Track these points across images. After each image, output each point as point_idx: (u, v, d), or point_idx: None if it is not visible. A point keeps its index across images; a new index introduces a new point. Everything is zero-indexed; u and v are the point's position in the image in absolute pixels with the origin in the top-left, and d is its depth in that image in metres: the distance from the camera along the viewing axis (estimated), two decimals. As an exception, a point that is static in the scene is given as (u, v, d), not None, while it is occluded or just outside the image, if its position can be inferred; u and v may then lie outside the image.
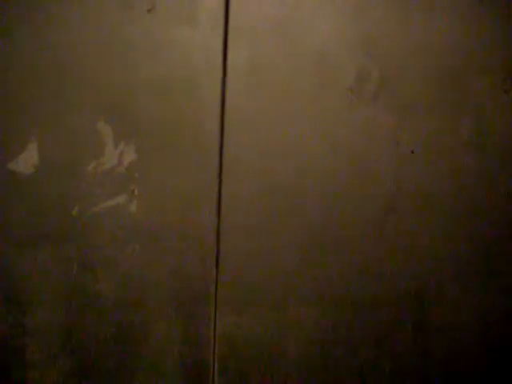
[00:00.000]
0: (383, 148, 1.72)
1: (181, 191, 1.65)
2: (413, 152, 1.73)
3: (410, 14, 1.70)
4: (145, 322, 1.66)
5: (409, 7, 1.70)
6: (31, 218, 1.61)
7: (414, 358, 1.75)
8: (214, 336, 1.68)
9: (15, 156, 1.59)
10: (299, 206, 1.70)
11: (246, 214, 1.68)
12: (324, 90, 1.69)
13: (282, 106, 1.68)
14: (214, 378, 1.69)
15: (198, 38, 1.63)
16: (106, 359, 1.66)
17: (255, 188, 1.68)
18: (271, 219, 1.69)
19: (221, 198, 1.67)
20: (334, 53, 1.68)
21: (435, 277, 1.76)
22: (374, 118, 1.71)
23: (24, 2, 1.55)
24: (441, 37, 1.72)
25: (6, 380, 1.62)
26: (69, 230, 1.62)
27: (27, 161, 1.60)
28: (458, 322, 1.76)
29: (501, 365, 1.79)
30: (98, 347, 1.65)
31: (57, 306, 1.64)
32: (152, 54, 1.61)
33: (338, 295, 1.73)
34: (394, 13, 1.70)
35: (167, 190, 1.65)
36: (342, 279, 1.73)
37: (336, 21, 1.68)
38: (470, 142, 1.76)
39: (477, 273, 1.77)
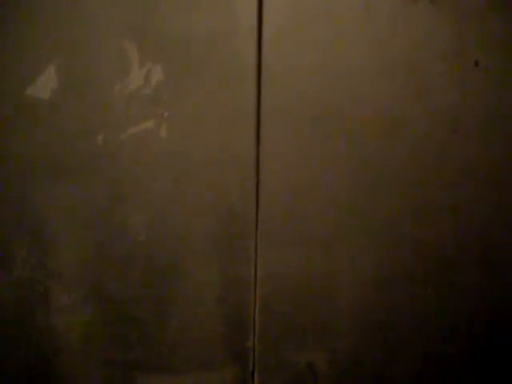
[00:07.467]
0: (443, 59, 1.52)
1: (214, 114, 1.50)
2: (477, 64, 1.54)
3: None
4: (179, 261, 1.53)
5: None
6: (52, 149, 1.48)
7: (480, 294, 1.59)
8: (255, 274, 1.54)
9: (32, 80, 1.45)
10: (349, 131, 1.52)
11: (288, 140, 1.51)
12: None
13: (326, 22, 1.49)
14: (255, 319, 1.55)
15: None
16: (137, 304, 1.53)
17: (299, 110, 1.51)
18: (317, 146, 1.52)
19: (260, 121, 1.50)
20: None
21: (503, 206, 1.57)
22: (433, 24, 1.51)
23: None
24: None
25: (29, 325, 1.52)
26: (94, 160, 1.49)
27: (45, 85, 1.46)
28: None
29: None
30: (128, 290, 1.52)
31: (82, 246, 1.51)
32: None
33: (395, 230, 1.56)
34: None
35: (199, 113, 1.49)
36: (399, 213, 1.55)
37: None
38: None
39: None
